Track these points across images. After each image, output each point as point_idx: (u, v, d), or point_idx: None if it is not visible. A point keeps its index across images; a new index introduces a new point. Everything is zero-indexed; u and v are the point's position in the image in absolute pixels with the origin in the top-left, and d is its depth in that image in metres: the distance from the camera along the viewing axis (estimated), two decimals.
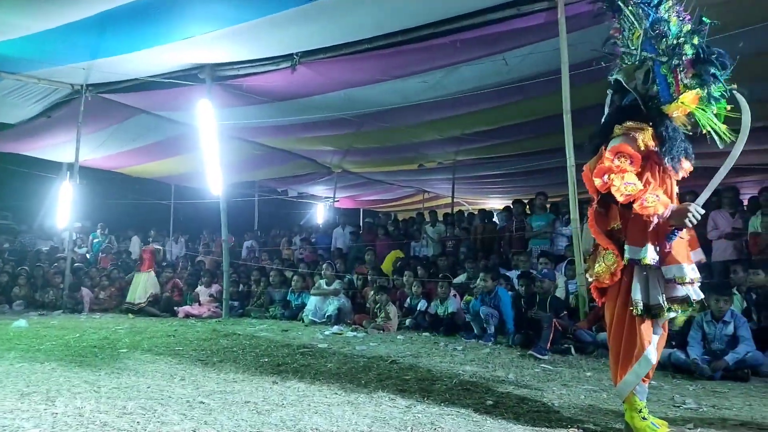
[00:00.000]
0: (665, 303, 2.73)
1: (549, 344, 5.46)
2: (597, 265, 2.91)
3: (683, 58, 2.70)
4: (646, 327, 2.79)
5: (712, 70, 2.67)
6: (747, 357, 4.47)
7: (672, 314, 2.78)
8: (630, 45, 2.88)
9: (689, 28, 2.74)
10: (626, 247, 2.77)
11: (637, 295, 2.75)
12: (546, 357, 5.22)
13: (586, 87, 6.05)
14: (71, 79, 8.74)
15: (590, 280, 3.00)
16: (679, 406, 3.49)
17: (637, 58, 2.84)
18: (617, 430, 2.94)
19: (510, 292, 6.73)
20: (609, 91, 3.04)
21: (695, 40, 2.72)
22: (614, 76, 2.96)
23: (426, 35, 6.55)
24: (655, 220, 2.63)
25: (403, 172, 13.57)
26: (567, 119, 5.85)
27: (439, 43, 6.61)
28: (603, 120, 3.01)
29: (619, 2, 2.87)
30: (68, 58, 7.69)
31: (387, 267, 9.24)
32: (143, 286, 9.71)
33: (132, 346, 5.66)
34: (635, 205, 2.61)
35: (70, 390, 3.62)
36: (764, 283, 5.25)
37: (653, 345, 2.79)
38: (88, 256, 12.99)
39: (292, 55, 7.36)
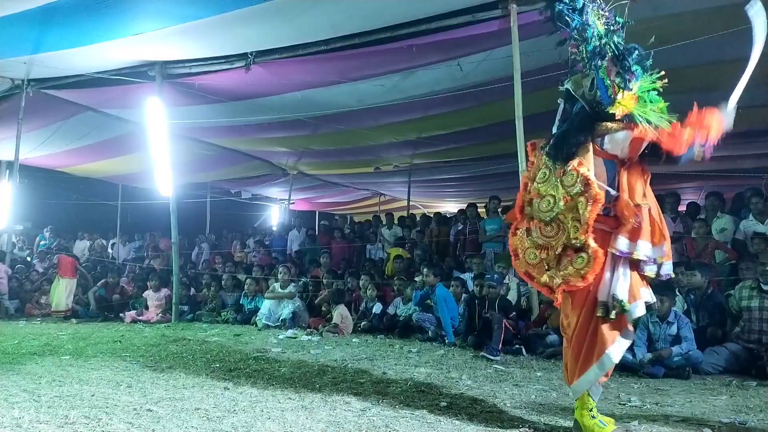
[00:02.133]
0: (624, 299, 2.77)
1: (500, 345, 5.56)
2: (565, 268, 2.86)
3: (606, 58, 2.81)
4: (607, 327, 2.84)
5: (630, 66, 2.79)
6: (688, 355, 4.68)
7: (632, 312, 2.83)
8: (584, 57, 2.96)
9: (608, 29, 2.85)
10: (623, 239, 2.80)
11: (602, 297, 2.82)
12: (497, 357, 5.31)
13: (538, 94, 6.20)
14: (11, 73, 8.31)
15: (557, 281, 2.90)
16: (624, 404, 3.62)
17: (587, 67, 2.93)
18: (566, 428, 3.01)
19: (465, 294, 6.83)
20: (560, 100, 3.11)
21: (615, 39, 2.83)
22: (565, 86, 3.04)
23: (383, 39, 6.57)
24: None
25: (360, 175, 13.58)
26: (519, 125, 5.98)
27: (396, 47, 6.65)
28: (565, 127, 2.99)
29: (566, 17, 2.93)
30: (8, 51, 7.31)
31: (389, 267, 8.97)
32: (66, 293, 9.38)
33: (75, 353, 5.44)
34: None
35: (8, 400, 3.43)
36: (701, 285, 5.51)
37: (616, 345, 2.84)
38: (29, 259, 12.39)
39: (246, 54, 7.24)
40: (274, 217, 17.88)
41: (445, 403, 3.51)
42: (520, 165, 5.98)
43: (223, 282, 9.28)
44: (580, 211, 2.78)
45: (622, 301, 2.78)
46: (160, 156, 8.46)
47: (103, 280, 9.76)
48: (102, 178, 13.49)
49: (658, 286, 4.94)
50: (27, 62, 7.67)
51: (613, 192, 2.83)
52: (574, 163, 2.83)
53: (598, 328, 2.84)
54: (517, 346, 5.68)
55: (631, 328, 2.90)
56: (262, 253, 11.42)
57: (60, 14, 6.14)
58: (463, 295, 6.82)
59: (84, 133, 10.04)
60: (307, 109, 8.53)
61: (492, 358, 5.29)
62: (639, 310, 2.85)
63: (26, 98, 8.73)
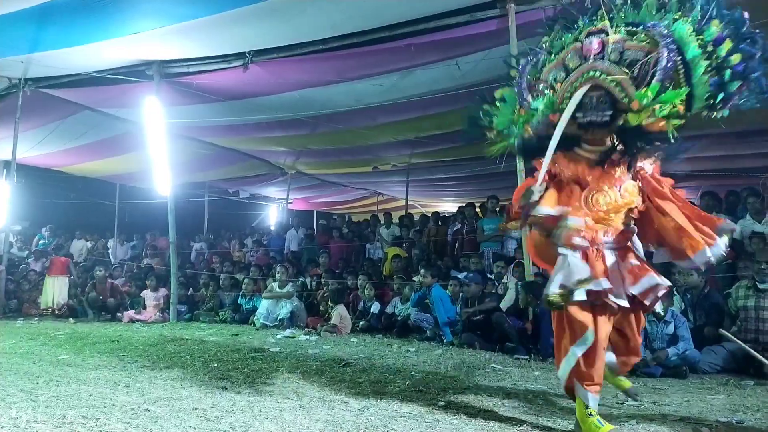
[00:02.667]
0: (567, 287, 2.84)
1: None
2: None
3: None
4: (575, 310, 2.86)
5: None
6: (685, 354, 4.69)
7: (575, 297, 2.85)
8: None
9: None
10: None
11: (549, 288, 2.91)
12: (526, 356, 5.41)
13: None
14: (9, 72, 8.29)
15: None
16: (622, 404, 3.62)
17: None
18: (564, 428, 3.02)
19: (462, 294, 6.84)
20: None
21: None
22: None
23: (381, 38, 6.57)
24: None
25: (358, 174, 13.57)
26: None
27: (394, 46, 6.65)
28: None
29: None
30: (5, 50, 7.30)
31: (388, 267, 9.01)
32: (55, 291, 9.50)
33: (73, 353, 5.43)
34: None
35: (5, 400, 3.42)
36: (698, 284, 5.52)
37: (590, 329, 2.85)
38: (27, 258, 12.33)
39: (244, 53, 7.24)
40: (272, 216, 17.87)
41: (443, 403, 3.51)
42: (517, 164, 5.98)
43: (221, 282, 9.28)
44: None
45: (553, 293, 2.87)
46: (158, 155, 8.46)
47: (91, 282, 9.75)
48: (100, 178, 13.47)
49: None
50: (24, 61, 7.66)
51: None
52: None
53: (567, 314, 2.92)
54: (512, 345, 5.71)
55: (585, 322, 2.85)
56: (260, 252, 11.42)
57: (57, 13, 6.13)
58: (461, 294, 6.83)
59: (81, 132, 10.03)
60: (305, 108, 8.52)
61: (522, 357, 5.36)
62: (579, 295, 2.83)
63: (23, 97, 8.70)
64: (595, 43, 2.83)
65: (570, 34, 3.04)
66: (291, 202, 15.86)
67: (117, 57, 7.57)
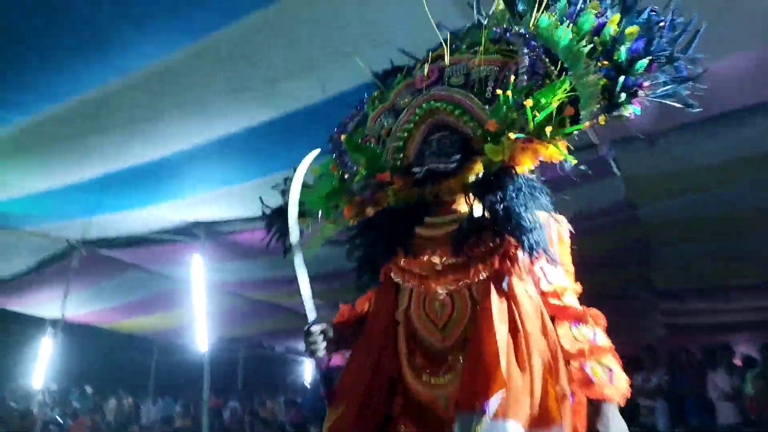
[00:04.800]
0: None
1: None
2: None
3: None
4: None
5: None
6: None
7: None
8: None
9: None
10: None
11: None
12: None
13: None
14: (69, 234, 8.79)
15: None
16: None
17: None
18: None
19: None
20: None
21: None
22: None
23: None
24: None
25: None
26: None
27: None
28: None
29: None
30: (68, 214, 7.87)
31: None
32: None
33: None
34: None
35: None
36: None
37: None
38: (61, 421, 12.07)
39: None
40: (307, 371, 17.41)
41: None
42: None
43: None
44: None
45: None
46: (200, 312, 8.57)
47: None
48: (137, 334, 13.54)
49: None
50: (84, 223, 8.19)
51: None
52: None
53: None
54: None
55: None
56: (293, 410, 10.94)
57: (118, 181, 6.66)
58: None
59: (127, 291, 10.35)
60: (338, 261, 8.67)
61: None
62: None
63: (79, 258, 9.08)
64: (428, 71, 2.13)
65: (399, 76, 2.31)
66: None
67: (168, 218, 8.05)
